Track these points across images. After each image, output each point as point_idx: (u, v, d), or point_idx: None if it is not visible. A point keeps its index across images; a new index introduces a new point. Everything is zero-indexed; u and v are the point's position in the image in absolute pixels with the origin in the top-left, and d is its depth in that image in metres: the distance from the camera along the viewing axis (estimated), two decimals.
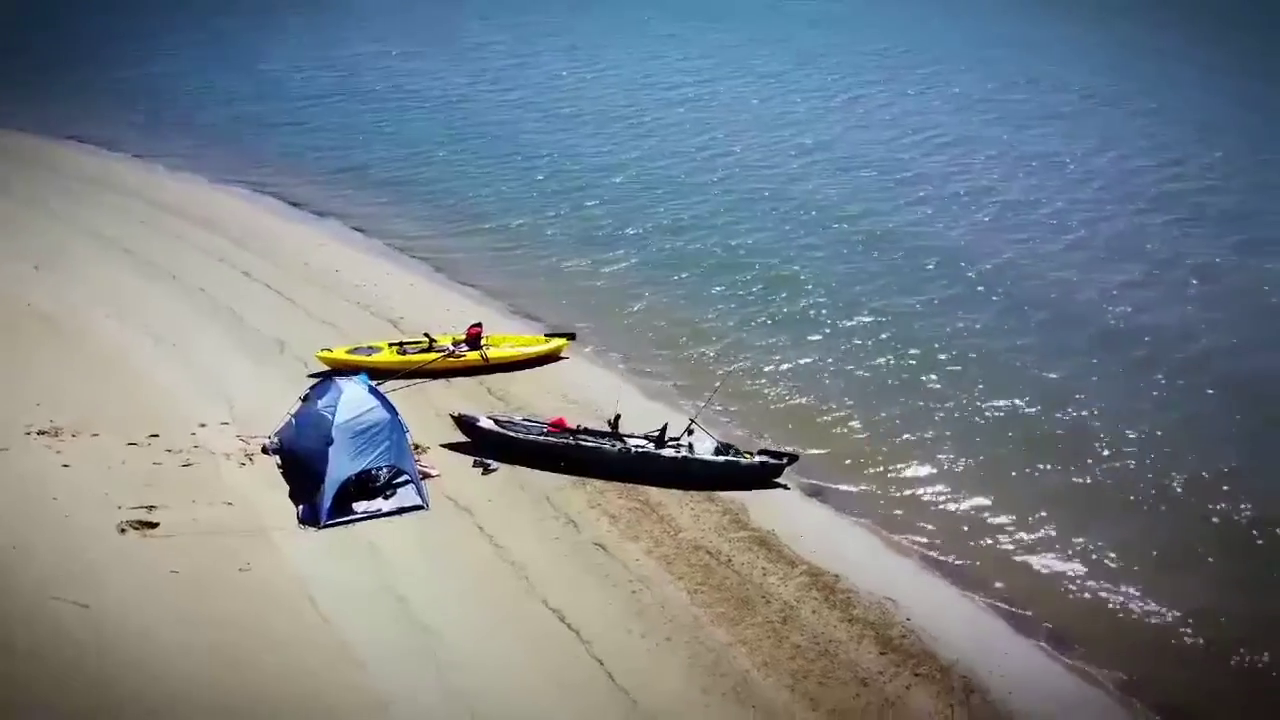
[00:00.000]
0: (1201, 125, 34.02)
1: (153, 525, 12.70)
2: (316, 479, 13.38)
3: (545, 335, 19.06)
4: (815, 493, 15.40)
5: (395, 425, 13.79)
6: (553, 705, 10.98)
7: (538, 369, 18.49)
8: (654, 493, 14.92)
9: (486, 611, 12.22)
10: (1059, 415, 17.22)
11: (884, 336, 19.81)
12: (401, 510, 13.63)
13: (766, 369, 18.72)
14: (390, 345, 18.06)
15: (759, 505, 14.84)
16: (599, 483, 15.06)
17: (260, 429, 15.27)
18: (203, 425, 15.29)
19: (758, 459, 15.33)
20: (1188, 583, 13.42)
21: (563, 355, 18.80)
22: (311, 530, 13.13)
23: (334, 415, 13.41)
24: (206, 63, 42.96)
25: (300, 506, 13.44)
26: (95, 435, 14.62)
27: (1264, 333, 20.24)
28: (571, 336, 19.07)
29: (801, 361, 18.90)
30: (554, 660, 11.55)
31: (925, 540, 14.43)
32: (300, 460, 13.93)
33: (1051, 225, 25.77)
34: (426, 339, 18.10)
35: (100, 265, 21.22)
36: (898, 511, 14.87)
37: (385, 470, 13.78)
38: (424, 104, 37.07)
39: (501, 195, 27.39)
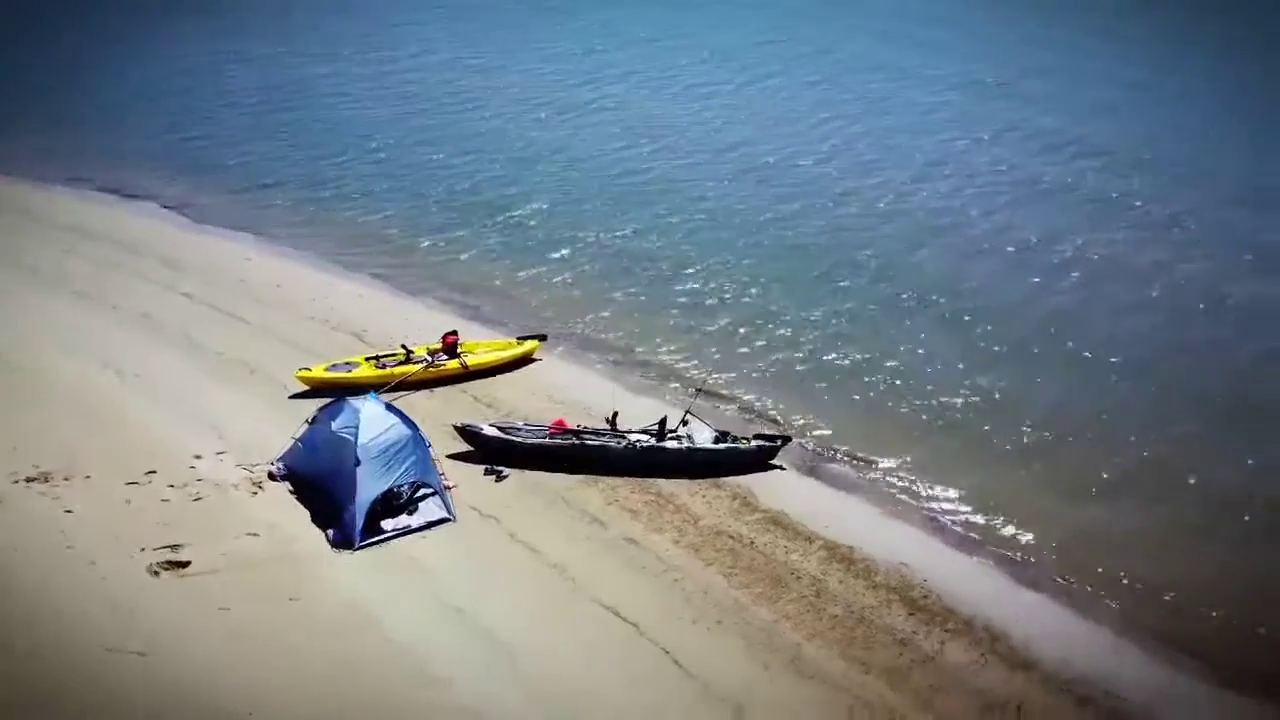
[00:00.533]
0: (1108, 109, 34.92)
1: (184, 564, 12.46)
2: (341, 501, 13.34)
3: (517, 339, 19.21)
4: (810, 471, 16.25)
5: (418, 440, 13.87)
6: (627, 699, 11.41)
7: (515, 373, 18.66)
8: (664, 484, 15.46)
9: (543, 615, 12.51)
10: (1021, 384, 18.55)
11: (844, 324, 20.68)
12: (430, 524, 13.72)
13: (742, 357, 19.43)
14: (366, 360, 17.91)
15: (763, 488, 15.55)
16: (608, 480, 15.49)
17: (258, 455, 15.02)
18: (198, 457, 14.91)
19: (754, 443, 16.06)
20: (1165, 523, 14.88)
21: (536, 357, 19.02)
22: (347, 553, 13.11)
23: (356, 436, 13.36)
24: (90, 67, 40.09)
25: (329, 530, 13.36)
26: (88, 477, 14.10)
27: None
28: (543, 338, 19.32)
29: (773, 352, 19.65)
30: (618, 655, 11.98)
31: (919, 506, 15.47)
32: (317, 483, 13.83)
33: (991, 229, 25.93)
34: (404, 350, 18.02)
35: (32, 297, 20.06)
36: (890, 481, 15.88)
37: (407, 486, 13.79)
38: (335, 108, 35.82)
39: (430, 204, 26.97)
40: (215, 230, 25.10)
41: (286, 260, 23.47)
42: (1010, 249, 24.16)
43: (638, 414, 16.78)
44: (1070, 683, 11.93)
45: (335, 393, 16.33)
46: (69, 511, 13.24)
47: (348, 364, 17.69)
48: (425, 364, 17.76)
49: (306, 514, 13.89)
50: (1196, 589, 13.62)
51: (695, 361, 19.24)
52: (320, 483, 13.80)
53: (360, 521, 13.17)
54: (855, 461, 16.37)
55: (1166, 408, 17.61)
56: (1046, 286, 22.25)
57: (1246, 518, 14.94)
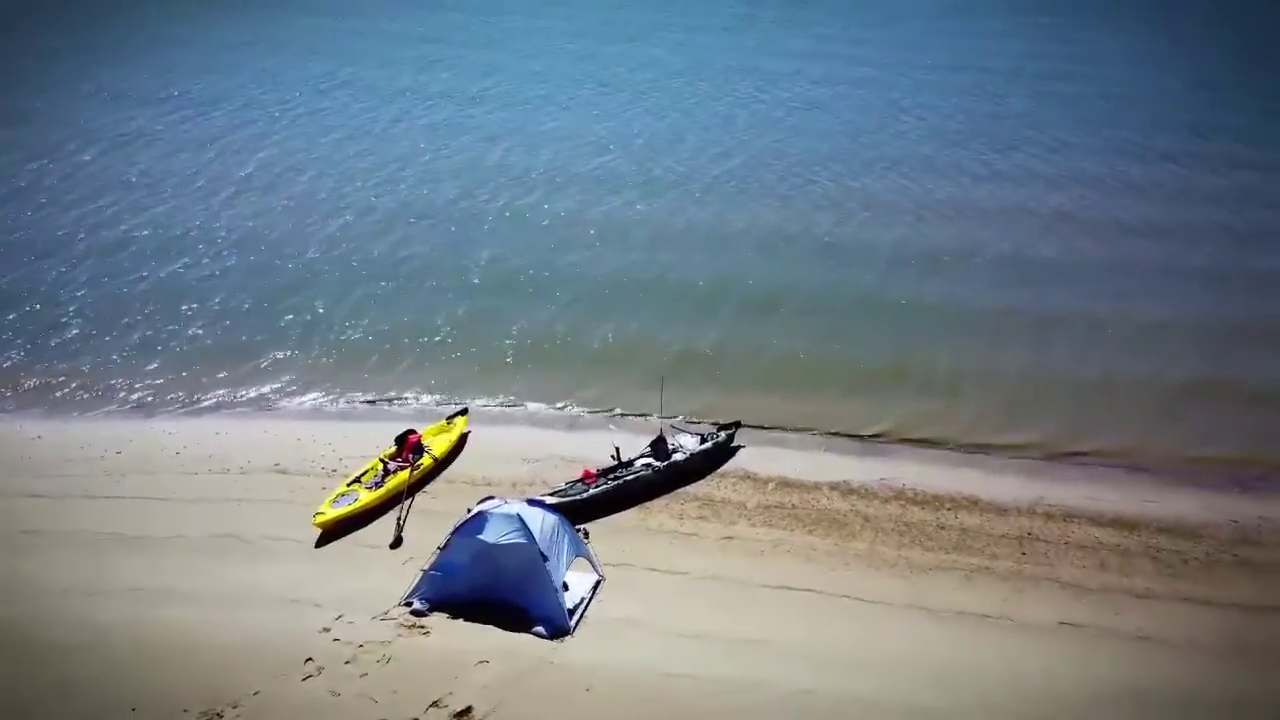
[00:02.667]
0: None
1: (467, 710, 12.83)
2: (535, 597, 14.34)
3: (446, 420, 20.08)
4: (763, 441, 20.22)
5: (563, 520, 15.25)
6: (845, 635, 14.74)
7: (469, 449, 19.68)
8: (691, 490, 18.46)
9: (744, 611, 15.04)
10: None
11: (740, 314, 25.02)
12: (595, 587, 15.32)
13: (633, 375, 22.37)
14: (348, 484, 17.76)
15: (750, 465, 19.26)
16: (652, 503, 18.06)
17: (376, 604, 14.91)
18: (326, 630, 14.37)
19: (722, 434, 19.66)
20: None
21: (467, 430, 20.16)
22: (569, 638, 14.29)
23: (530, 537, 14.39)
24: None
25: (536, 628, 14.30)
26: (256, 693, 13.16)
27: None
28: (464, 411, 20.43)
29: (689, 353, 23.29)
30: (817, 613, 15.17)
31: (845, 442, 20.38)
32: (492, 594, 14.44)
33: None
34: (380, 464, 18.17)
35: None
36: (834, 428, 20.55)
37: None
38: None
39: (226, 322, 24.77)
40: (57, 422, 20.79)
41: (195, 423, 20.86)
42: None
43: (592, 448, 19.27)
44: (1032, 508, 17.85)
45: (353, 527, 16.52)
46: None
47: (343, 495, 17.41)
48: (409, 467, 18.13)
49: (491, 628, 14.43)
50: None
51: (601, 389, 21.81)
52: (497, 592, 14.44)
53: (568, 604, 14.41)
54: (797, 421, 20.70)
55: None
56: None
57: None
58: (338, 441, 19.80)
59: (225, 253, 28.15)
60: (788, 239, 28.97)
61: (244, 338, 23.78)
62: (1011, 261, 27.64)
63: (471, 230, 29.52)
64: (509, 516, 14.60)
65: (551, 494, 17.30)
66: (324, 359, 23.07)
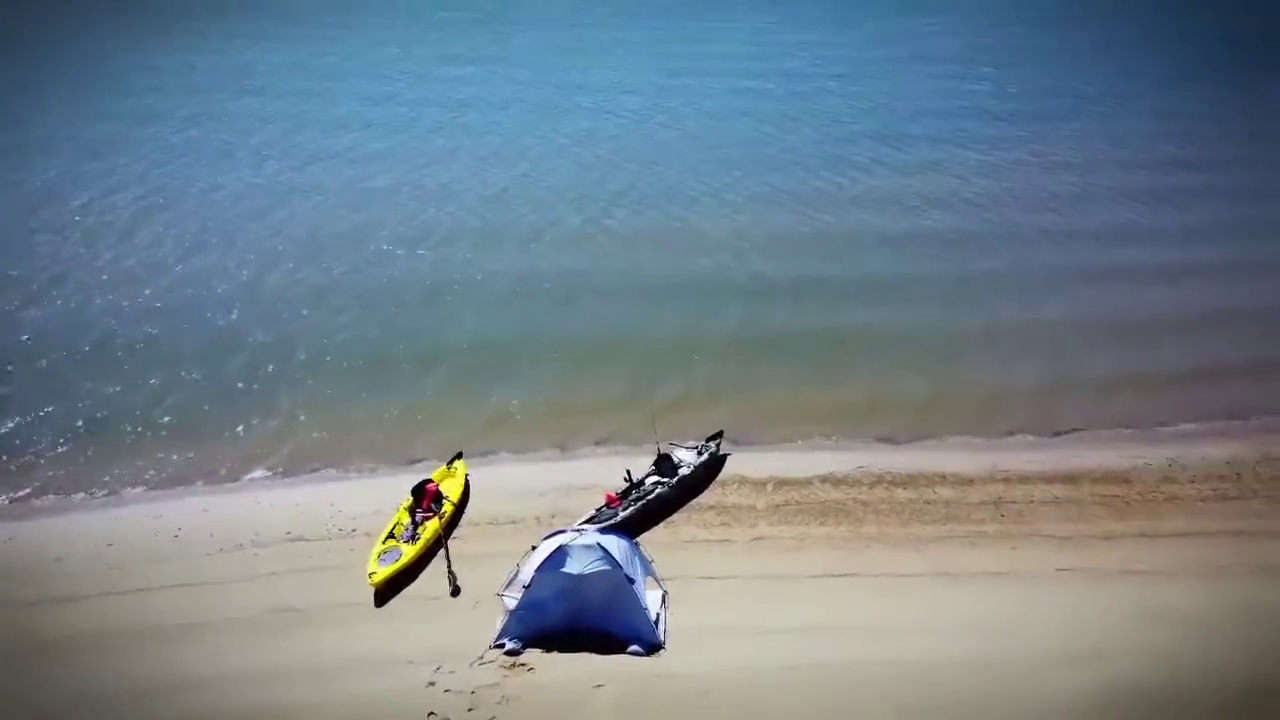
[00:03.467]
0: None
1: None
2: (625, 619, 15.30)
3: (446, 465, 20.48)
4: (747, 445, 21.91)
5: (632, 542, 16.32)
6: (896, 603, 16.67)
7: (477, 491, 20.19)
8: (705, 501, 19.86)
9: (845, 608, 16.37)
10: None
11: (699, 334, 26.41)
12: (663, 599, 16.48)
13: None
14: (385, 541, 18.00)
15: (745, 470, 20.85)
16: (674, 518, 19.35)
17: (469, 651, 15.40)
18: (431, 684, 14.77)
19: (712, 444, 21.21)
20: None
21: (454, 468, 20.54)
22: (663, 653, 15.38)
23: (615, 563, 15.31)
24: None
25: (631, 648, 15.27)
26: None
27: None
28: (459, 455, 20.90)
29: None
30: (872, 591, 17.00)
31: (833, 434, 22.37)
32: (582, 623, 15.25)
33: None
34: (408, 517, 18.47)
35: None
36: (800, 426, 22.50)
37: None
38: None
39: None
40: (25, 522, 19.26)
41: (181, 507, 19.76)
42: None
43: (605, 470, 20.39)
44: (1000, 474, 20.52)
45: (404, 582, 16.98)
46: None
47: (385, 553, 17.60)
48: (435, 516, 18.53)
49: (587, 655, 15.28)
50: None
51: (578, 419, 22.78)
52: (584, 621, 15.23)
53: (657, 622, 15.51)
54: (763, 427, 22.49)
55: None
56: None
57: None
58: (340, 501, 19.74)
59: (155, 316, 26.79)
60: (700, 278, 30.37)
61: (203, 408, 22.95)
62: (893, 281, 30.08)
63: (413, 283, 29.29)
64: (589, 547, 15.45)
65: (587, 521, 18.15)
66: (291, 422, 22.57)
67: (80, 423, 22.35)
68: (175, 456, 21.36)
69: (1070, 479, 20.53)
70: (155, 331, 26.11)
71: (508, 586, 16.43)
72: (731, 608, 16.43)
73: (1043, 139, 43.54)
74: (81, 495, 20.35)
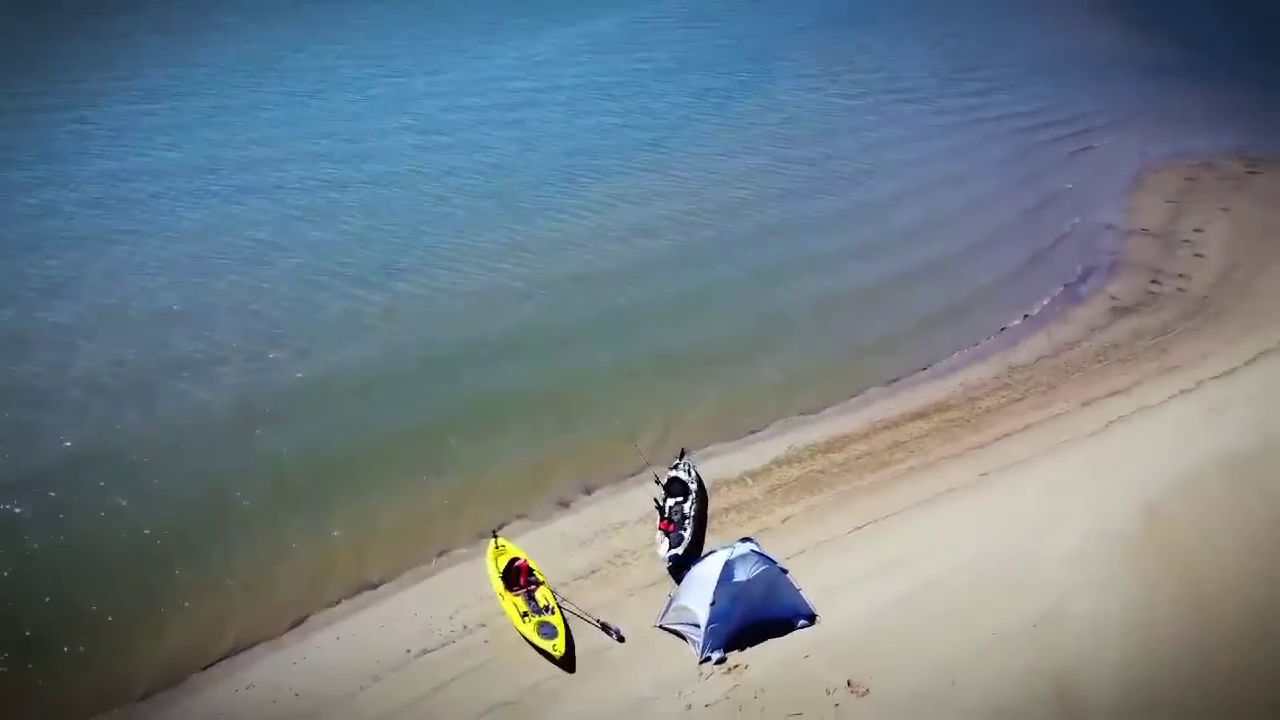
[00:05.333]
0: None
1: (848, 684, 17.93)
2: (785, 603, 19.34)
3: (494, 546, 21.97)
4: (703, 455, 26.22)
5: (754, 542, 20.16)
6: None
7: (537, 558, 22.20)
8: (720, 505, 23.99)
9: (941, 531, 21.60)
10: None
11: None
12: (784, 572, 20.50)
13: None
14: (524, 620, 19.52)
15: (719, 474, 25.23)
16: (710, 525, 23.34)
17: (685, 678, 18.45)
18: (689, 707, 17.67)
19: (686, 461, 25.30)
20: None
21: (500, 542, 22.17)
22: (819, 619, 19.66)
23: (770, 560, 19.17)
24: None
25: (797, 624, 19.38)
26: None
27: None
28: (495, 532, 22.70)
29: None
30: (993, 500, 22.60)
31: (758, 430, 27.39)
32: (756, 618, 18.77)
33: None
34: (523, 596, 20.08)
35: None
36: (719, 429, 27.15)
37: None
38: None
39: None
40: None
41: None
42: None
43: (618, 505, 23.73)
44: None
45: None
46: None
47: (542, 626, 19.25)
48: (539, 584, 20.50)
49: (770, 641, 19.06)
50: None
51: (555, 474, 25.22)
52: (755, 615, 18.79)
53: (805, 600, 19.74)
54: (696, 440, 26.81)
55: None
56: None
57: None
58: (421, 608, 20.49)
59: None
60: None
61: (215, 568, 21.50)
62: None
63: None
64: (745, 556, 19.01)
65: (672, 549, 21.38)
66: (308, 556, 22.24)
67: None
68: (228, 623, 20.23)
69: (922, 415, 27.71)
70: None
71: (665, 615, 19.35)
72: (822, 572, 20.85)
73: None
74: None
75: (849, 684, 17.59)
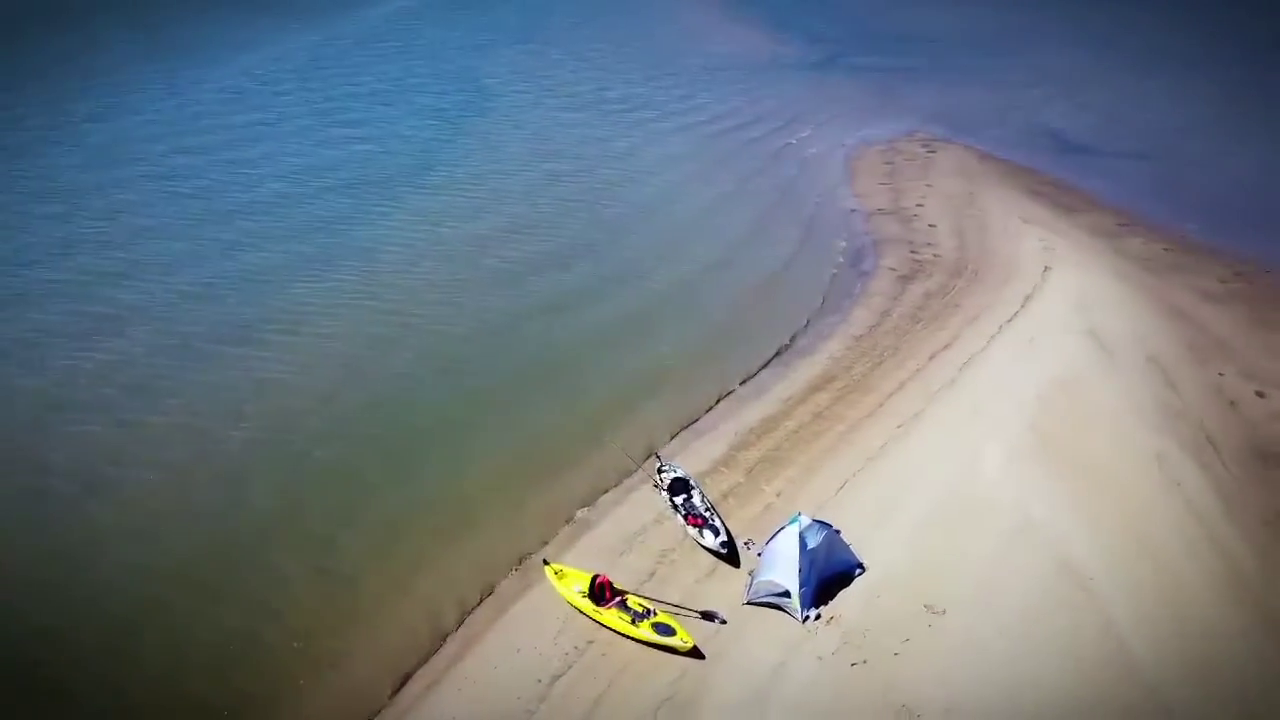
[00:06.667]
0: None
1: (930, 608, 22.17)
2: (839, 560, 22.99)
3: (555, 574, 23.41)
4: (669, 453, 29.18)
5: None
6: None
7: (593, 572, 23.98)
8: (712, 493, 27.24)
9: (927, 462, 26.15)
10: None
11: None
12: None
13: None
14: (637, 625, 21.64)
15: (695, 467, 28.38)
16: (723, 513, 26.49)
17: (796, 636, 21.68)
18: (820, 659, 20.95)
19: (665, 462, 28.19)
20: None
21: (556, 568, 24.04)
22: (869, 572, 23.58)
23: (828, 526, 22.77)
24: None
25: (855, 574, 23.23)
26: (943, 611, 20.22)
27: None
28: (546, 561, 24.29)
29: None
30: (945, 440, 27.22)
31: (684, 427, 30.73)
32: (830, 573, 22.61)
33: None
34: (622, 607, 21.84)
35: None
36: (664, 428, 30.31)
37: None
38: None
39: None
40: None
41: None
42: None
43: (632, 509, 26.35)
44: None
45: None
46: None
47: (658, 626, 21.30)
48: (626, 592, 22.62)
49: (841, 593, 22.73)
50: None
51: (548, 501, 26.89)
52: (828, 573, 22.18)
53: (853, 552, 23.64)
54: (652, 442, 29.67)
55: None
56: None
57: None
58: (532, 634, 21.88)
59: None
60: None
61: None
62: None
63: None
64: (810, 526, 22.41)
65: (721, 543, 24.23)
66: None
67: None
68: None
69: (819, 388, 32.54)
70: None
71: (750, 592, 22.39)
72: (843, 524, 24.77)
73: None
74: None
75: (926, 607, 21.64)
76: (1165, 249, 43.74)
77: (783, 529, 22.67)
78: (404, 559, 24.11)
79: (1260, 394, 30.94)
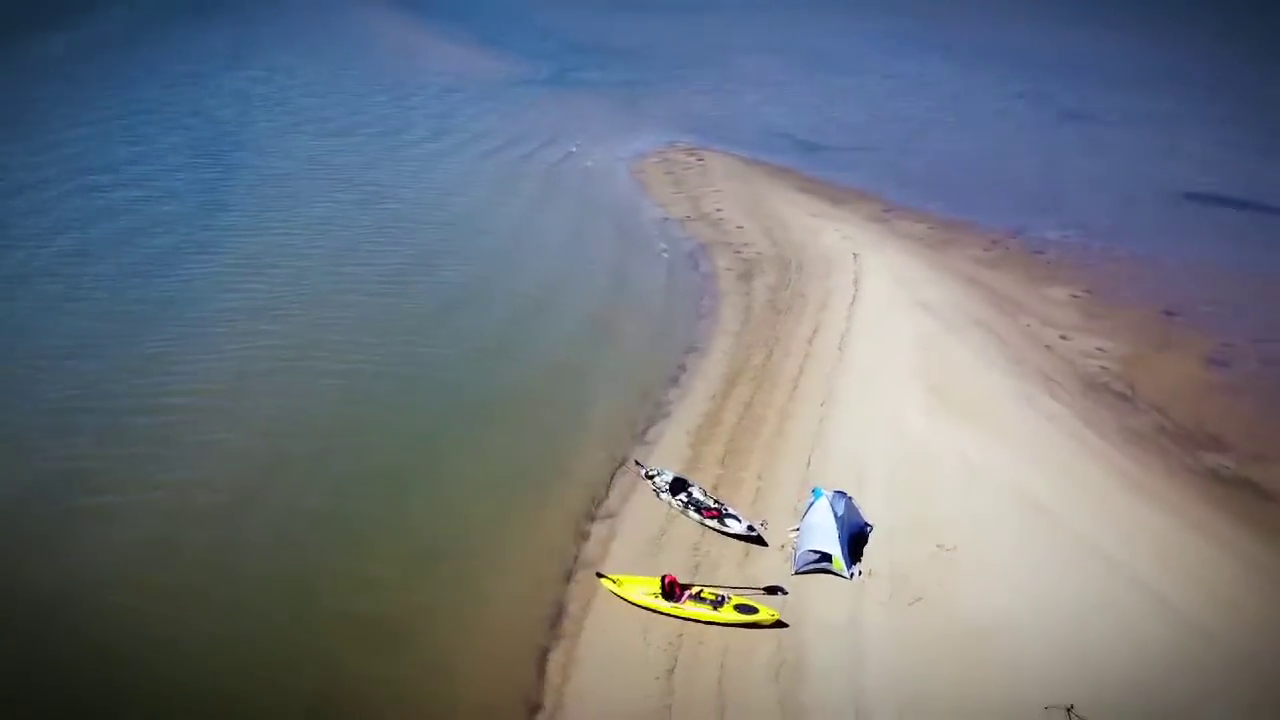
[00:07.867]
0: None
1: (945, 547, 26.39)
2: (857, 522, 26.46)
3: (612, 581, 25.09)
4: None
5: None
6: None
7: (643, 573, 25.69)
8: (706, 484, 29.81)
9: (876, 430, 29.93)
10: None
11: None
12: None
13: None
14: (719, 611, 23.78)
15: (673, 466, 30.84)
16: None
17: (842, 590, 24.98)
18: (882, 603, 24.45)
19: (650, 466, 30.37)
20: None
21: (612, 578, 25.77)
22: (877, 528, 27.30)
23: (847, 495, 26.31)
24: None
25: (869, 532, 26.98)
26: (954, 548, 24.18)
27: None
28: (600, 575, 25.78)
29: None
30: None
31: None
32: (851, 534, 25.96)
33: None
34: (692, 604, 23.89)
35: None
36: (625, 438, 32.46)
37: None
38: None
39: None
40: None
41: None
42: None
43: (647, 510, 28.55)
44: None
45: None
46: None
47: (740, 607, 23.54)
48: (692, 585, 24.78)
49: (868, 549, 26.15)
50: None
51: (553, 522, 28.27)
52: (850, 531, 25.83)
53: (863, 513, 27.32)
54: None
55: None
56: None
57: None
58: (619, 640, 23.29)
59: None
60: None
61: None
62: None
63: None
64: (835, 496, 25.82)
65: (747, 527, 26.90)
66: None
67: None
68: None
69: (734, 382, 35.74)
70: None
71: (797, 563, 25.42)
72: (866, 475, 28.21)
73: None
74: None
75: (939, 546, 25.74)
76: (930, 228, 51.74)
77: (813, 504, 25.78)
78: (464, 605, 24.25)
79: (1064, 337, 38.52)
